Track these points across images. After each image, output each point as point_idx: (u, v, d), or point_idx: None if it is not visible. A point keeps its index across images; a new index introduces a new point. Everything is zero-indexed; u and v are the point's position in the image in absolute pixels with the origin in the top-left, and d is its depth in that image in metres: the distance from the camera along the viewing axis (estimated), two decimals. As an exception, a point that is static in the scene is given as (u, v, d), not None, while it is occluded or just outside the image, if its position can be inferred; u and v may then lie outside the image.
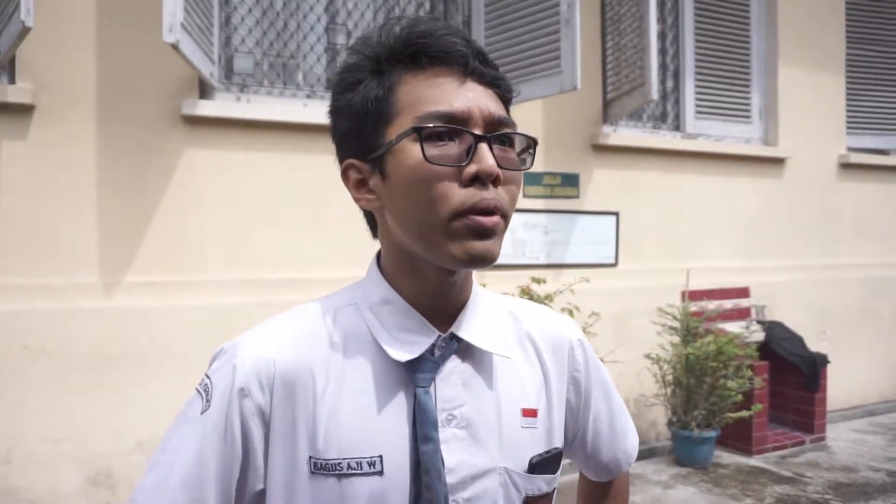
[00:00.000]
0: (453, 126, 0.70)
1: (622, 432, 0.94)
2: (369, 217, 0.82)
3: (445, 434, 0.74)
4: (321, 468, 0.72)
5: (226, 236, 3.16)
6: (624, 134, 4.31)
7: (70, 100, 2.90)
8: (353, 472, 0.71)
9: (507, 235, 3.76)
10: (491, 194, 0.69)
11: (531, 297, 3.35)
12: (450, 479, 0.73)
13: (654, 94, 3.74)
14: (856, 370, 5.09)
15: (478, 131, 0.71)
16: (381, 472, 0.72)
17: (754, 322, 4.48)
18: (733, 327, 4.21)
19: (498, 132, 0.72)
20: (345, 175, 0.78)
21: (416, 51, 0.72)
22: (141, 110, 3.01)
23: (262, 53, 3.44)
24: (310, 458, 0.72)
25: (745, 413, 3.84)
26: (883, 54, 5.38)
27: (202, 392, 0.74)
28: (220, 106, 3.14)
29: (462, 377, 0.77)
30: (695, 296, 4.33)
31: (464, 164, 0.69)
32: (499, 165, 0.70)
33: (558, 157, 4.03)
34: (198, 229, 3.11)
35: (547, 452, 0.82)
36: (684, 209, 4.49)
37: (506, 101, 0.78)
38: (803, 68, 4.91)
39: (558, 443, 0.85)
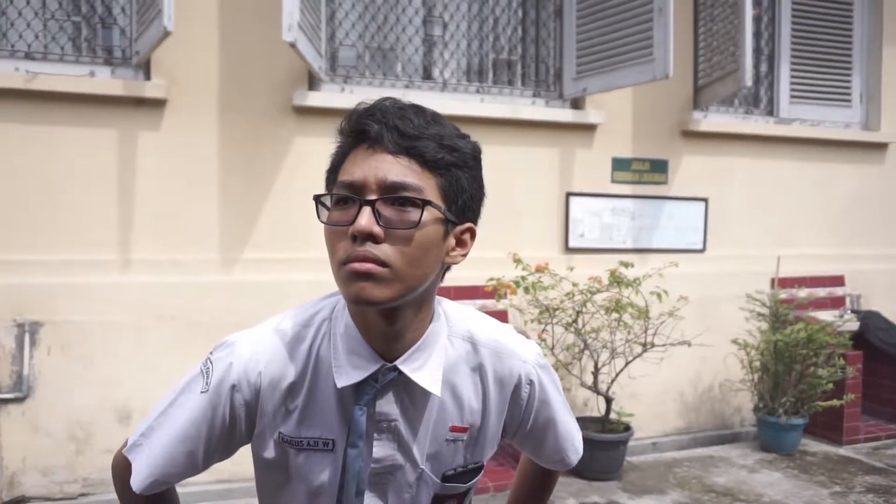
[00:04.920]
0: (343, 193, 0.84)
1: (563, 450, 1.11)
2: None
3: (381, 436, 0.94)
4: (286, 441, 0.94)
5: (330, 218, 3.40)
6: (715, 120, 4.28)
7: (197, 94, 3.20)
8: (311, 447, 0.94)
9: (595, 220, 3.91)
10: (364, 247, 0.81)
11: (620, 281, 3.44)
12: (375, 464, 0.95)
13: (749, 81, 3.72)
14: (959, 364, 4.88)
15: (372, 196, 0.82)
16: (332, 450, 0.94)
17: (848, 311, 4.38)
18: (826, 315, 4.14)
19: (393, 195, 0.82)
20: None
21: (351, 131, 0.87)
22: (257, 102, 3.28)
23: (364, 46, 3.65)
24: (279, 433, 0.94)
25: (835, 402, 3.80)
26: None
27: (204, 373, 0.93)
28: (327, 97, 3.38)
29: (400, 400, 0.94)
30: (785, 283, 4.29)
31: (350, 224, 0.82)
32: (384, 224, 0.81)
33: (647, 143, 4.07)
34: (305, 212, 3.35)
35: (464, 467, 1.01)
36: (776, 195, 4.43)
37: (429, 161, 0.85)
38: (910, 49, 4.71)
39: (481, 458, 1.03)
